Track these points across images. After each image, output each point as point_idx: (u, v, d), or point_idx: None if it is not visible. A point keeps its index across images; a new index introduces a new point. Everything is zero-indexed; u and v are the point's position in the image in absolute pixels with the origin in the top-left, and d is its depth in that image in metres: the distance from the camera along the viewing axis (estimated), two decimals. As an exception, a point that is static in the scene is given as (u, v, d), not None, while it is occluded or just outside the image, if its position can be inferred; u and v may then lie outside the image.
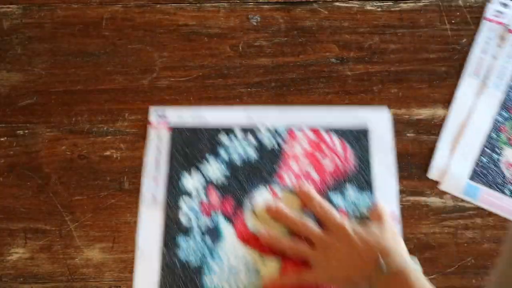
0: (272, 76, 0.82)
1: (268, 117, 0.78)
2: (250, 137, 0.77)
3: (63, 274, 0.70)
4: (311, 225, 0.69)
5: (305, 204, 0.72)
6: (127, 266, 0.71)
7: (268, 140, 0.77)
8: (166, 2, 0.88)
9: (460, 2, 0.87)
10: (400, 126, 0.79)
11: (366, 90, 0.81)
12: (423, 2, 0.87)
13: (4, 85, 0.81)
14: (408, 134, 0.78)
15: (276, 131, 0.77)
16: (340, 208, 0.73)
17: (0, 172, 0.76)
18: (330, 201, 0.73)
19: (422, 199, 0.74)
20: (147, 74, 0.82)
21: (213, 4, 0.88)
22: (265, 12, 0.87)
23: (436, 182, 0.75)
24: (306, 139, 0.77)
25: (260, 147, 0.77)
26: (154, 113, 0.79)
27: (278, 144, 0.77)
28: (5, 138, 0.78)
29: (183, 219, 0.73)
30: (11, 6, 0.87)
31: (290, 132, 0.77)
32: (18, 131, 0.78)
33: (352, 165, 0.76)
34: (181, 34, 0.85)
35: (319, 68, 0.83)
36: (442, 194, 0.75)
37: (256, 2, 0.88)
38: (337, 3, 0.87)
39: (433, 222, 0.73)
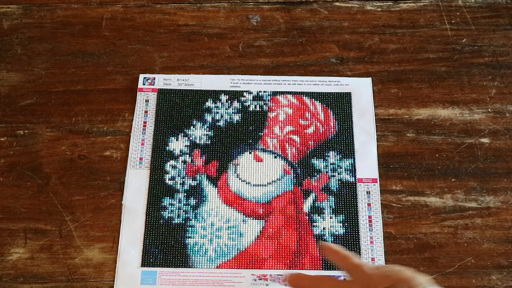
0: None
1: (253, 84, 0.81)
2: (235, 101, 0.79)
3: (63, 274, 0.70)
4: (327, 277, 0.62)
5: (330, 259, 0.63)
6: (127, 266, 0.71)
7: (252, 105, 0.79)
8: (166, 2, 0.88)
9: (460, 2, 0.87)
10: (400, 126, 0.79)
11: (366, 90, 0.81)
12: (423, 2, 0.87)
13: (4, 85, 0.81)
14: (408, 134, 0.78)
15: (260, 97, 0.80)
16: (322, 172, 0.75)
17: (0, 172, 0.76)
18: (311, 164, 0.75)
19: (422, 199, 0.74)
20: (147, 74, 0.82)
21: (213, 4, 0.88)
22: (265, 12, 0.87)
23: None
24: (289, 105, 0.79)
25: (244, 111, 0.79)
26: (143, 79, 0.81)
27: (262, 109, 0.79)
28: (5, 138, 0.78)
29: (168, 181, 0.75)
30: (11, 6, 0.87)
31: (274, 97, 0.80)
32: (18, 131, 0.78)
33: (334, 130, 0.77)
34: (181, 34, 0.85)
35: (319, 68, 0.83)
36: (442, 194, 0.75)
37: (256, 2, 0.88)
38: (337, 3, 0.87)
39: (433, 222, 0.73)
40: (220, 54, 0.84)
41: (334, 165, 0.76)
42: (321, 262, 0.70)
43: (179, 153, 0.77)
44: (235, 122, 0.78)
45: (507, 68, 0.83)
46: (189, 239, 0.72)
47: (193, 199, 0.74)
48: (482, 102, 0.80)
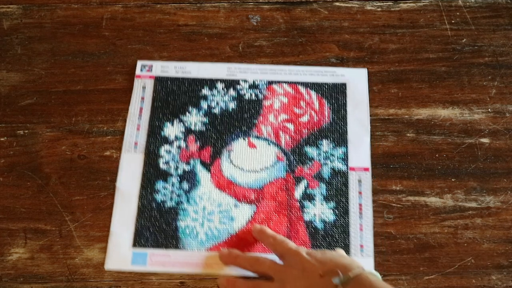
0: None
1: (249, 73, 0.81)
2: (231, 89, 0.80)
3: (63, 274, 0.70)
4: (264, 258, 0.67)
5: (261, 241, 0.70)
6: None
7: (248, 93, 0.80)
8: (166, 2, 0.88)
9: (460, 2, 0.87)
10: (400, 126, 0.79)
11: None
12: (423, 2, 0.87)
13: (4, 85, 0.81)
14: (408, 134, 0.78)
15: (256, 85, 0.80)
16: (315, 160, 0.75)
17: (0, 172, 0.76)
18: (304, 152, 0.76)
19: (422, 199, 0.74)
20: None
21: (213, 4, 0.88)
22: (265, 12, 0.87)
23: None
24: (284, 94, 0.79)
25: (240, 99, 0.79)
26: (140, 66, 0.81)
27: (257, 97, 0.79)
28: (5, 138, 0.78)
29: (162, 165, 0.75)
30: (11, 6, 0.87)
31: (270, 86, 0.80)
32: (18, 131, 0.78)
33: (328, 119, 0.78)
34: (181, 34, 0.85)
35: (319, 68, 0.83)
36: (442, 194, 0.75)
37: (256, 2, 0.88)
38: (337, 3, 0.87)
39: (433, 222, 0.73)
40: (220, 54, 0.84)
41: (327, 153, 0.76)
42: (310, 247, 0.71)
43: (174, 139, 0.77)
44: (231, 109, 0.79)
45: (507, 68, 0.83)
46: (181, 222, 0.72)
47: (186, 183, 0.75)
48: (482, 102, 0.80)
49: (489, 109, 0.80)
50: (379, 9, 0.87)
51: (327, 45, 0.84)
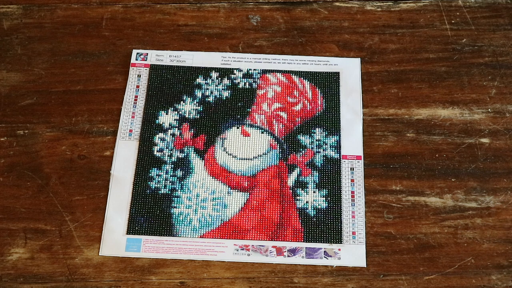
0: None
1: (244, 62, 0.82)
2: (225, 78, 0.81)
3: (63, 274, 0.70)
4: None
5: None
6: (127, 266, 0.71)
7: (242, 82, 0.81)
8: (166, 2, 0.88)
9: (460, 2, 0.87)
10: (400, 126, 0.79)
11: (366, 90, 0.81)
12: (423, 2, 0.87)
13: (4, 85, 0.81)
14: (408, 134, 0.78)
15: (250, 74, 0.81)
16: (307, 148, 0.76)
17: (0, 172, 0.76)
18: (297, 140, 0.77)
19: (422, 199, 0.74)
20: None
21: (213, 4, 0.88)
22: (265, 12, 0.87)
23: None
24: (278, 83, 0.80)
25: (234, 88, 0.80)
26: (136, 54, 0.82)
27: (251, 86, 0.80)
28: (5, 138, 0.78)
29: (156, 153, 0.76)
30: (11, 6, 0.87)
31: (263, 76, 0.81)
32: (18, 131, 0.78)
33: (321, 108, 0.79)
34: (181, 34, 0.85)
35: (319, 68, 0.83)
36: (442, 194, 0.75)
37: (256, 2, 0.88)
38: (337, 3, 0.87)
39: (433, 222, 0.73)
40: (220, 54, 0.84)
41: (319, 142, 0.77)
42: (302, 234, 0.72)
43: (168, 127, 0.78)
44: (225, 98, 0.80)
45: (507, 68, 0.83)
46: (175, 209, 0.73)
47: (180, 170, 0.75)
48: (482, 102, 0.80)
49: (489, 109, 0.80)
50: (379, 9, 0.87)
51: (327, 45, 0.84)
